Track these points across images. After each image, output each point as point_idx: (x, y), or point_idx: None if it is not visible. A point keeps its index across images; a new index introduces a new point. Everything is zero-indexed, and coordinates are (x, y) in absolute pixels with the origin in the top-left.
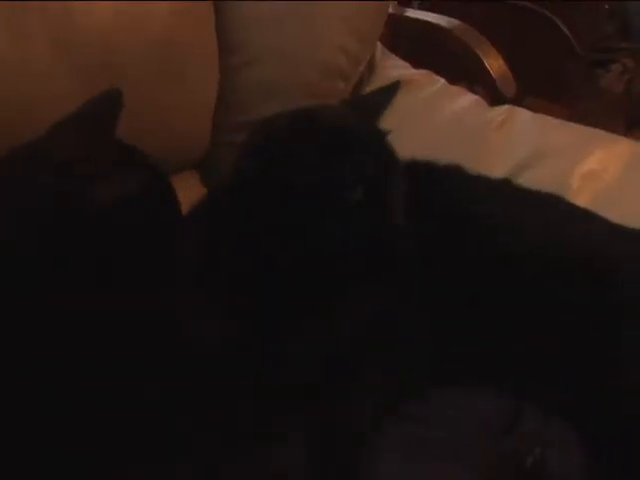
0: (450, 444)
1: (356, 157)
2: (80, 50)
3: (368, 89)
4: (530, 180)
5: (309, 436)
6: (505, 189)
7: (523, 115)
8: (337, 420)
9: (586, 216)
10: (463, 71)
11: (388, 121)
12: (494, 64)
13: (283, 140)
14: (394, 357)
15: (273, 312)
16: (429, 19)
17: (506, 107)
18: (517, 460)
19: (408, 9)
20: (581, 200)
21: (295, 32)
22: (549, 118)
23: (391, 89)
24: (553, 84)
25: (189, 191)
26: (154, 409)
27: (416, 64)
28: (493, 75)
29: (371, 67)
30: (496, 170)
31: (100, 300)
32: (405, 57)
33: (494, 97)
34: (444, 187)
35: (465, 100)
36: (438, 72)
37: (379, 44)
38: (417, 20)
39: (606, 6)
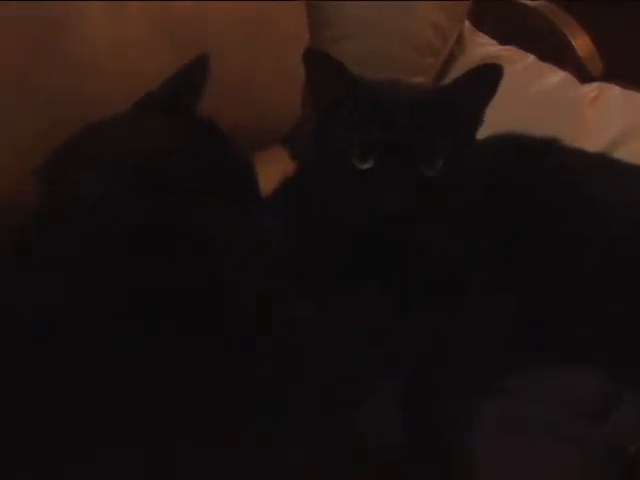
0: (546, 421)
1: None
2: (176, 28)
3: (458, 65)
4: (625, 156)
5: (404, 402)
6: (601, 162)
7: (615, 91)
8: (430, 389)
9: None
10: (548, 50)
11: None
12: (580, 43)
13: None
14: (489, 331)
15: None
16: None
17: (597, 84)
18: (616, 448)
19: None
20: None
21: (386, 7)
22: None
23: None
24: (636, 65)
25: (279, 165)
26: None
27: (501, 42)
28: (579, 53)
29: (460, 43)
30: (590, 146)
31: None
32: (490, 35)
33: (580, 76)
34: (539, 158)
35: (556, 76)
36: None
37: (467, 21)
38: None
39: None
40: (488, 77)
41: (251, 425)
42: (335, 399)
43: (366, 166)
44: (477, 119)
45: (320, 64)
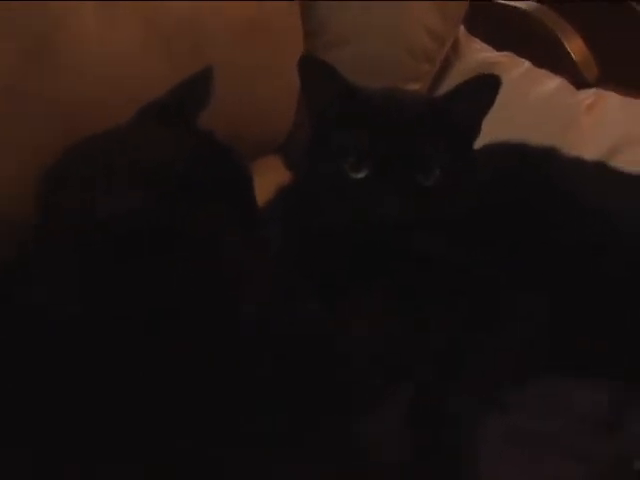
0: (551, 435)
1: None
2: (170, 34)
3: (454, 71)
4: (623, 164)
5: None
6: (599, 171)
7: (612, 98)
8: (432, 400)
9: None
10: (543, 54)
11: None
12: (574, 46)
13: None
14: (496, 341)
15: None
16: (508, 2)
17: (593, 90)
18: (624, 462)
19: None
20: None
21: (381, 11)
22: (638, 101)
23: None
24: (632, 71)
25: (274, 174)
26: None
27: (495, 48)
28: (574, 58)
29: (456, 49)
30: (587, 153)
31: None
32: (484, 41)
33: (575, 81)
34: (538, 167)
35: (552, 83)
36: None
37: (462, 27)
38: (496, 3)
39: None
40: (486, 87)
41: (251, 425)
42: (341, 402)
43: (360, 175)
44: (474, 129)
45: (315, 71)
